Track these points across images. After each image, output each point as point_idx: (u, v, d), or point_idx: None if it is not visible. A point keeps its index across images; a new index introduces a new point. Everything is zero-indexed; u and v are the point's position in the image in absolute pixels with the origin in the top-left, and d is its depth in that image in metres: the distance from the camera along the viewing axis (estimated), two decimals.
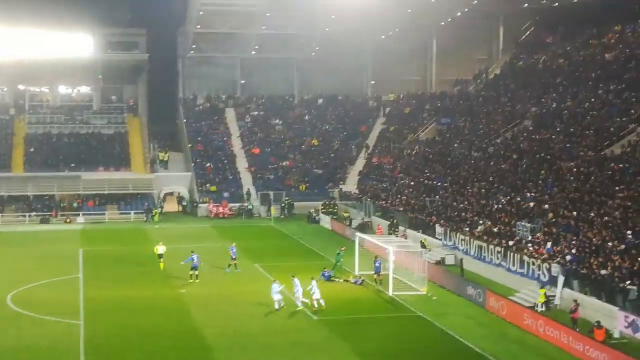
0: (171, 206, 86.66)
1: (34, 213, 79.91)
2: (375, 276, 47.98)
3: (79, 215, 79.74)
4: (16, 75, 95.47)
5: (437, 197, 65.08)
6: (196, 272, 48.23)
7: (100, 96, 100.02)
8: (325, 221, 75.88)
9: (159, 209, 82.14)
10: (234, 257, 51.85)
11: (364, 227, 68.50)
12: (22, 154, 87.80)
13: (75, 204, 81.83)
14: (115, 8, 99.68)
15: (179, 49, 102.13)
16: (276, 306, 41.08)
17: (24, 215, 79.57)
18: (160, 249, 52.32)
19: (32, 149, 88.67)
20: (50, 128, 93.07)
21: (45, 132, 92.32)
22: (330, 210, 79.23)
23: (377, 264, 48.24)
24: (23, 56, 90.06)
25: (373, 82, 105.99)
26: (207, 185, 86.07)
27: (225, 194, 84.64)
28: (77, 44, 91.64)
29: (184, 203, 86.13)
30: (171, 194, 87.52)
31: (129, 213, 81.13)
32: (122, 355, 34.52)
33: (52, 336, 37.01)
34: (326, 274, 48.63)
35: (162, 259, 51.85)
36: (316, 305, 41.03)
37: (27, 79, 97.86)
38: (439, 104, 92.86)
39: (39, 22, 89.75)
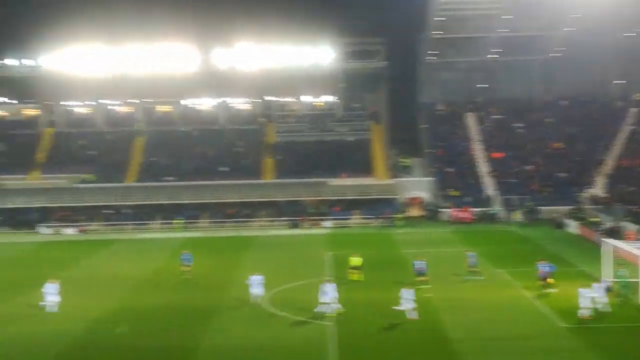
0: (414, 211, 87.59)
1: (284, 218, 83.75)
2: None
3: (325, 219, 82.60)
4: (264, 87, 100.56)
5: None
6: (423, 278, 48.33)
7: (343, 104, 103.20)
8: (572, 226, 73.56)
9: (402, 214, 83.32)
10: (471, 264, 51.55)
11: (614, 233, 65.67)
12: (272, 161, 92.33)
13: (321, 209, 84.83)
14: (355, 18, 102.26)
15: (418, 55, 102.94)
16: None
17: (275, 220, 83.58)
18: (356, 260, 52.18)
19: (280, 157, 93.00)
20: (297, 136, 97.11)
21: (292, 140, 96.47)
22: (577, 214, 76.71)
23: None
24: (270, 69, 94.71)
25: (619, 82, 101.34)
26: (449, 190, 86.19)
27: (467, 199, 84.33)
28: (319, 54, 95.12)
29: (427, 208, 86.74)
30: (413, 199, 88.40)
31: (373, 218, 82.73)
32: (373, 357, 35.38)
33: (304, 336, 38.55)
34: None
35: (357, 271, 51.49)
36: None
37: (274, 90, 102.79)
38: None
39: (284, 37, 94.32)
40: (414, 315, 40.07)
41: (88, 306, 44.99)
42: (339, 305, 41.57)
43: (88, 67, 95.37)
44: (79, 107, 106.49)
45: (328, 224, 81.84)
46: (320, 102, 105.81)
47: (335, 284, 42.50)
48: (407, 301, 40.42)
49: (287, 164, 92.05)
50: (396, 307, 40.56)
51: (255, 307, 43.85)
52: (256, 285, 44.34)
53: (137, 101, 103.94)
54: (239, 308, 44.25)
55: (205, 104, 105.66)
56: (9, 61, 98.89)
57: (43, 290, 43.95)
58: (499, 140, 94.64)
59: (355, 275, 51.10)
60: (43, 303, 43.58)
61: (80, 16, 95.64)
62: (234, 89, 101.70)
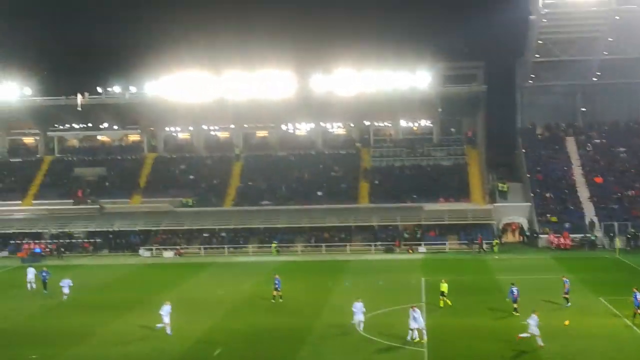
0: (511, 237, 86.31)
1: (379, 242, 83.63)
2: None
3: (420, 244, 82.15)
4: (361, 111, 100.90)
5: None
6: (515, 305, 47.61)
7: (440, 129, 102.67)
8: None
9: (499, 240, 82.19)
10: (567, 290, 50.40)
11: None
12: (368, 186, 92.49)
13: (417, 234, 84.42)
14: (453, 42, 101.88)
15: (517, 79, 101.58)
16: None
17: (370, 245, 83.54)
18: (445, 286, 51.58)
19: (376, 181, 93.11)
20: (393, 161, 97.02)
21: (388, 164, 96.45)
22: None
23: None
24: (367, 94, 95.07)
25: None
26: (547, 215, 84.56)
27: (567, 225, 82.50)
28: (416, 79, 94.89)
29: (525, 234, 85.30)
30: (511, 224, 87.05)
31: (469, 243, 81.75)
32: None
33: None
34: None
35: (444, 297, 50.98)
36: None
37: (371, 114, 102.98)
38: None
39: (381, 62, 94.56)
40: (540, 342, 39.40)
41: (187, 327, 45.88)
42: (419, 335, 41.13)
43: (189, 93, 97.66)
44: (180, 133, 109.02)
45: (423, 248, 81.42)
46: (417, 126, 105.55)
47: (419, 310, 42.17)
48: (533, 327, 39.66)
49: (383, 189, 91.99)
50: (523, 335, 39.84)
51: (349, 331, 43.88)
52: (359, 312, 44.38)
53: (236, 126, 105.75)
54: (333, 332, 44.41)
55: (302, 128, 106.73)
56: (116, 88, 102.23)
57: (161, 312, 45.12)
58: (600, 164, 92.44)
59: (441, 302, 50.67)
60: (160, 325, 44.76)
61: (182, 45, 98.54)
62: (331, 114, 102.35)
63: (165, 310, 44.92)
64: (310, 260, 77.87)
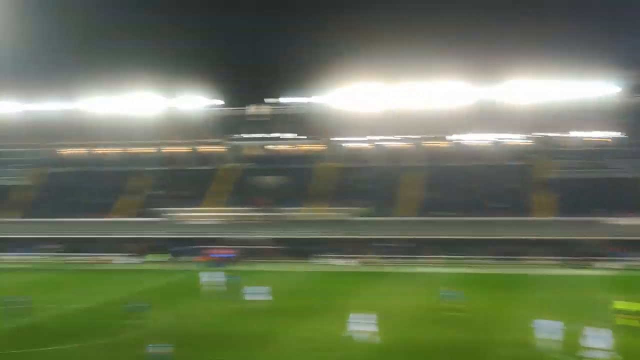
0: None
1: (559, 257, 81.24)
2: None
3: (604, 260, 78.99)
4: (540, 122, 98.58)
5: None
6: None
7: (625, 139, 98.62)
8: None
9: None
10: None
11: None
12: (547, 198, 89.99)
13: (600, 249, 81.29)
14: (637, 50, 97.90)
15: None
16: None
17: (551, 259, 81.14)
18: (623, 303, 49.02)
19: (557, 194, 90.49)
20: (574, 173, 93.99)
21: (569, 176, 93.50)
22: None
23: None
24: (546, 103, 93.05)
25: None
26: None
27: None
28: (598, 88, 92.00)
29: None
30: None
31: None
32: None
33: None
34: None
35: (632, 316, 48.12)
36: None
37: (550, 125, 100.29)
38: None
39: (562, 71, 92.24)
40: None
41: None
42: (605, 357, 39.33)
43: (365, 103, 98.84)
44: (357, 142, 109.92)
45: (608, 264, 78.21)
46: (599, 137, 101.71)
47: (608, 330, 40.30)
48: None
49: (564, 201, 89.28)
50: None
51: (532, 350, 42.56)
52: (545, 330, 42.98)
53: (412, 136, 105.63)
54: (515, 350, 43.13)
55: (478, 139, 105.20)
56: (295, 99, 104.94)
57: (350, 320, 45.70)
58: None
59: (626, 320, 48.29)
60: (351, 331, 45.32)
61: (358, 57, 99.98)
62: (508, 125, 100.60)
63: (369, 319, 45.19)
64: (487, 272, 76.44)
